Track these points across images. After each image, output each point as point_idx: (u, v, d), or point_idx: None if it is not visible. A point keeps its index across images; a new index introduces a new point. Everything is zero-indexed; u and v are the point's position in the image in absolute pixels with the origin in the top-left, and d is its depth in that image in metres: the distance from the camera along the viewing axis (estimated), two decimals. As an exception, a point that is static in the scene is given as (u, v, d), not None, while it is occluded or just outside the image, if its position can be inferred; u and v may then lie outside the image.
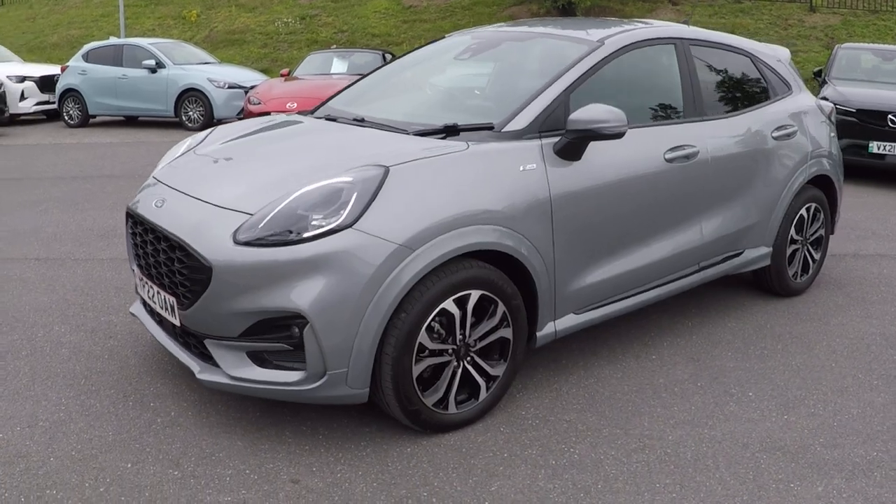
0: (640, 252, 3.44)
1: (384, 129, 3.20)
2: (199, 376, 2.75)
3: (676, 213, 3.57)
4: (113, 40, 13.94)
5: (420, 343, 2.69)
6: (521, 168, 2.93)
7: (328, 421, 2.95)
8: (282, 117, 3.82)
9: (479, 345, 2.88)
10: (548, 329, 3.14)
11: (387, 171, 2.67)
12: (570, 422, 3.01)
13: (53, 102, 13.10)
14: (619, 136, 3.02)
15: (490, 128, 3.02)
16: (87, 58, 13.03)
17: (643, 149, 3.38)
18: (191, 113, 12.41)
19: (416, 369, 2.71)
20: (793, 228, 4.31)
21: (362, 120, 3.37)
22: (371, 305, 2.55)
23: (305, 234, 2.54)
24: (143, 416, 2.98)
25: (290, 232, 2.56)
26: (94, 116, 13.07)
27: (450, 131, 3.01)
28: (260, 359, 2.67)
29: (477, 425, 2.95)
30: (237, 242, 2.59)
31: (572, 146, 3.05)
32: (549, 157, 3.03)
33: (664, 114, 3.61)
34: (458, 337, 2.81)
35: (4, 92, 11.52)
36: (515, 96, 3.18)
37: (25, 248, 5.18)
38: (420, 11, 19.74)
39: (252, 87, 11.72)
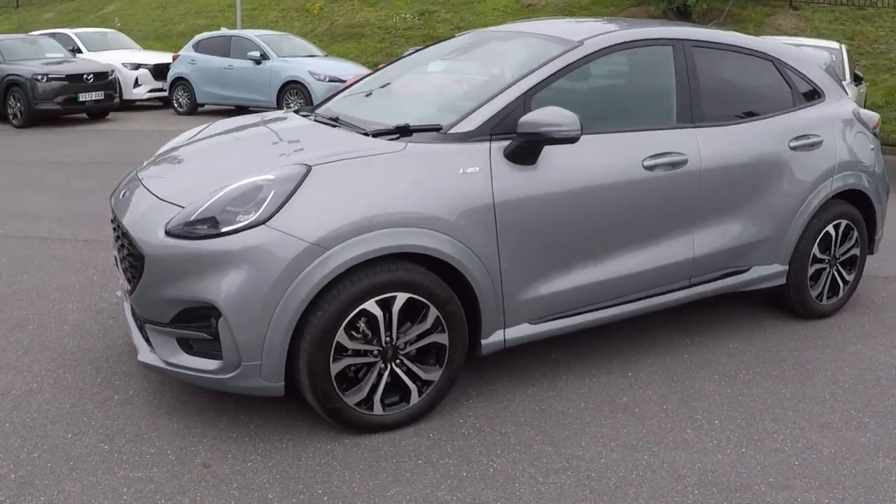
0: (612, 263, 3.27)
1: (348, 129, 3.22)
2: (139, 358, 2.90)
3: (658, 224, 3.36)
4: (224, 31, 14.76)
5: (338, 342, 2.70)
6: (462, 171, 2.86)
7: (266, 412, 3.02)
8: (276, 114, 3.93)
9: (410, 348, 2.86)
10: (495, 338, 3.06)
11: (308, 169, 2.70)
12: (504, 434, 2.92)
13: (166, 90, 14.05)
14: (572, 140, 2.89)
15: (438, 129, 2.97)
16: (197, 48, 13.88)
17: (616, 155, 3.20)
18: (292, 104, 12.92)
19: (335, 367, 2.72)
20: (816, 246, 3.94)
21: (336, 119, 3.40)
22: (281, 302, 2.59)
23: (224, 229, 2.62)
24: (103, 393, 3.17)
25: (215, 226, 2.64)
26: (202, 105, 13.91)
27: (402, 131, 2.99)
28: (188, 346, 2.78)
29: (408, 429, 2.93)
30: (167, 233, 2.70)
31: (524, 150, 2.94)
32: (498, 161, 2.94)
33: (649, 119, 3.39)
34: (384, 339, 2.79)
35: (115, 79, 12.48)
36: (476, 97, 3.10)
37: (77, 230, 5.63)
38: (538, 10, 19.62)
39: (351, 81, 12.04)
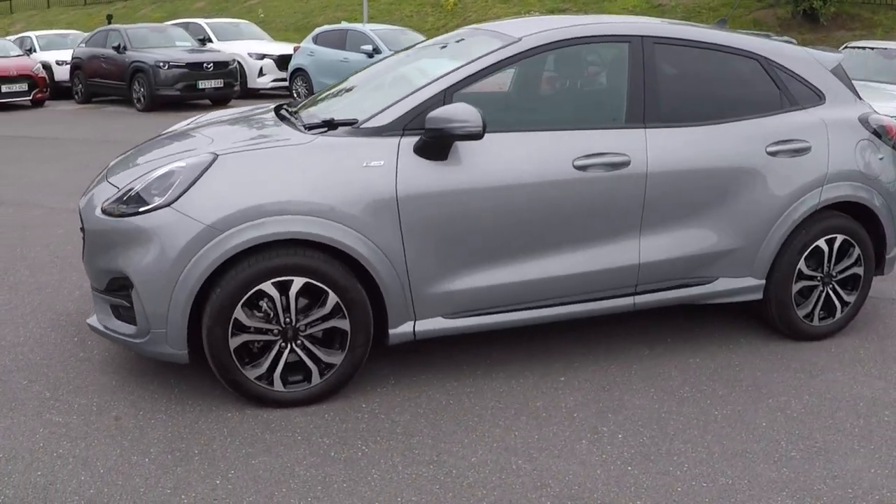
0: (539, 263, 3.22)
1: (295, 124, 3.36)
2: (87, 321, 3.26)
3: (594, 227, 3.26)
4: (343, 25, 15.45)
5: (236, 318, 2.89)
6: (365, 164, 2.95)
7: (195, 380, 3.27)
8: (253, 108, 4.15)
9: (310, 330, 3.00)
10: (404, 328, 3.13)
11: (215, 158, 2.91)
12: (395, 423, 2.99)
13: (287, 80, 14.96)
14: (474, 137, 2.90)
15: (354, 123, 3.07)
16: (316, 40, 14.65)
17: (542, 153, 3.14)
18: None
19: (234, 342, 2.92)
20: (803, 261, 3.63)
21: (293, 114, 3.58)
22: (181, 278, 2.82)
23: (140, 210, 2.89)
24: (71, 351, 3.58)
25: (135, 207, 2.92)
26: (319, 94, 14.66)
27: (329, 125, 3.13)
28: (118, 312, 3.09)
29: (309, 407, 3.08)
30: (102, 211, 3.02)
31: (431, 145, 2.98)
32: (406, 156, 3.00)
33: (592, 118, 3.28)
34: (284, 319, 2.95)
35: (236, 68, 13.45)
36: (400, 94, 3.17)
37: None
38: (667, 10, 19.13)
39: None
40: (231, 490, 2.55)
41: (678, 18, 19.18)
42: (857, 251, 3.71)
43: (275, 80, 15.14)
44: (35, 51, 16.69)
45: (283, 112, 3.69)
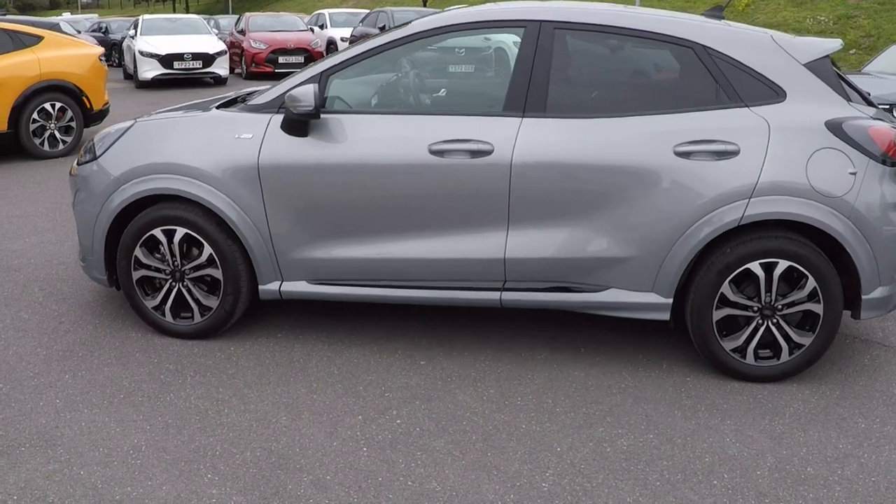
0: (397, 243, 3.25)
1: (228, 104, 3.80)
2: (80, 247, 4.17)
3: (454, 214, 3.16)
4: None
5: (136, 256, 3.51)
6: (237, 136, 3.32)
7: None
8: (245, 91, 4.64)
9: (193, 274, 3.49)
10: (272, 286, 3.44)
11: (134, 123, 3.53)
12: (236, 366, 3.32)
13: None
14: (310, 116, 3.11)
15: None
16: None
17: (397, 136, 3.16)
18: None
19: (135, 275, 3.54)
20: (727, 285, 3.04)
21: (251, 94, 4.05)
22: (98, 217, 3.52)
23: (85, 161, 3.66)
24: (84, 276, 4.41)
25: (86, 159, 3.70)
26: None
27: (235, 102, 3.60)
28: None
29: (191, 341, 3.56)
30: (77, 163, 3.87)
31: (288, 123, 3.23)
32: (272, 131, 3.29)
33: (464, 104, 3.18)
34: (172, 262, 3.49)
35: (492, 54, 14.17)
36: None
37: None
38: None
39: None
40: (69, 382, 3.17)
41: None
42: (810, 283, 3.00)
43: None
44: (326, 27, 18.80)
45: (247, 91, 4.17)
